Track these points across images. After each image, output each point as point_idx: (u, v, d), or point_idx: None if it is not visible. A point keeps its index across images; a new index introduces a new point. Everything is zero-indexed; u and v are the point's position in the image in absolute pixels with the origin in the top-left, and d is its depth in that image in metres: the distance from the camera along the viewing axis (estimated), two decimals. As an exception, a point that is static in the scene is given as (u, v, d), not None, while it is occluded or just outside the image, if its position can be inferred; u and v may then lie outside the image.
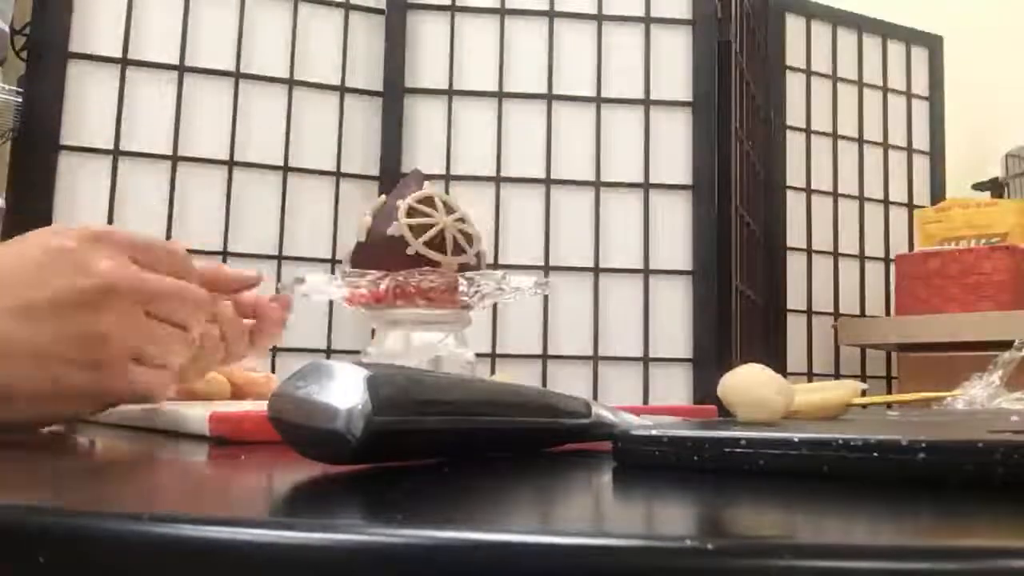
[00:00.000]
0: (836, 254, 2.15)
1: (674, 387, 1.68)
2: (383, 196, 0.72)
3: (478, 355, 0.68)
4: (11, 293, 0.46)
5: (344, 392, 0.24)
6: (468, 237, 0.69)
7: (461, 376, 0.32)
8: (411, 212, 0.68)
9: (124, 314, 0.47)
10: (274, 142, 1.66)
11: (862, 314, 2.16)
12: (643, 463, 0.28)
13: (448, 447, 0.29)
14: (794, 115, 2.12)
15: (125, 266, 0.48)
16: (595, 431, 0.34)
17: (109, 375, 0.46)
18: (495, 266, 1.65)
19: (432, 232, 0.67)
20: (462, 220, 0.69)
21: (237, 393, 0.70)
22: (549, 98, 1.74)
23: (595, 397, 1.50)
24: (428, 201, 0.69)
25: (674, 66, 1.76)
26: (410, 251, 0.66)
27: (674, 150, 1.74)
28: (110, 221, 1.54)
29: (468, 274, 0.65)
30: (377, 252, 0.67)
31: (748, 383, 0.43)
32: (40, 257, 0.47)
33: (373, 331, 0.72)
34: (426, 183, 0.73)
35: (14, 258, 0.48)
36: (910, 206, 2.24)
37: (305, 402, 0.25)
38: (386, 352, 0.67)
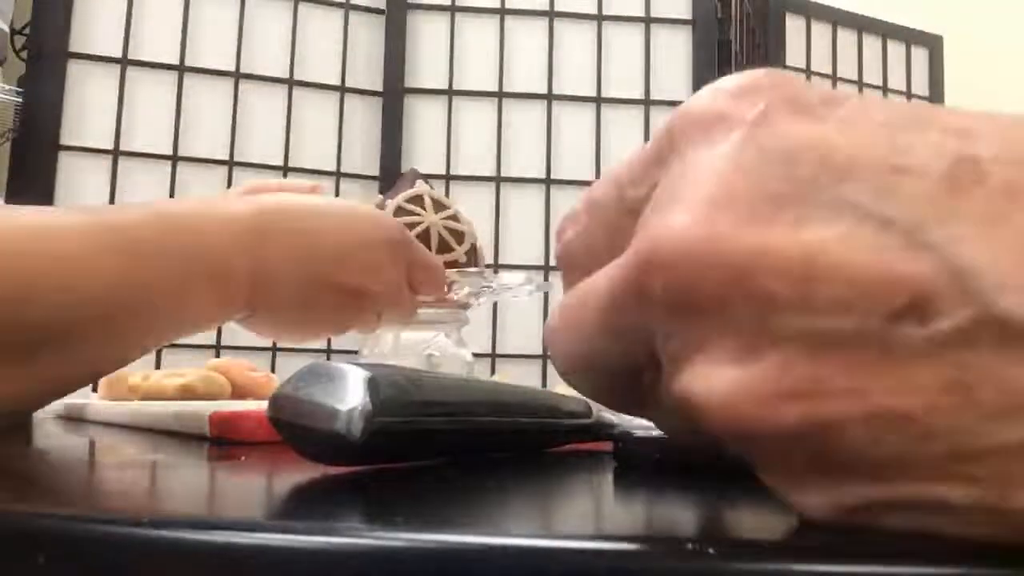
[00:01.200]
0: (836, 254, 2.15)
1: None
2: (380, 196, 0.73)
3: (478, 355, 0.67)
4: (316, 267, 0.54)
5: (344, 393, 0.24)
6: (457, 235, 0.69)
7: (461, 377, 0.32)
8: (398, 211, 0.68)
9: (367, 313, 0.58)
10: (274, 142, 1.66)
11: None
12: (644, 464, 0.27)
13: (449, 448, 0.29)
14: (794, 115, 2.12)
15: (398, 282, 0.58)
16: (596, 431, 0.34)
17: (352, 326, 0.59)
18: (495, 266, 1.65)
19: (417, 231, 0.67)
20: (453, 218, 0.69)
21: (237, 393, 0.70)
22: (549, 98, 1.74)
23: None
24: (417, 200, 0.69)
25: (674, 66, 1.76)
26: None
27: (674, 150, 1.73)
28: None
29: (451, 272, 0.65)
30: None
31: None
32: (356, 247, 0.56)
33: None
34: (419, 182, 0.73)
35: (342, 233, 0.56)
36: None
37: (305, 403, 0.25)
38: (381, 352, 0.67)
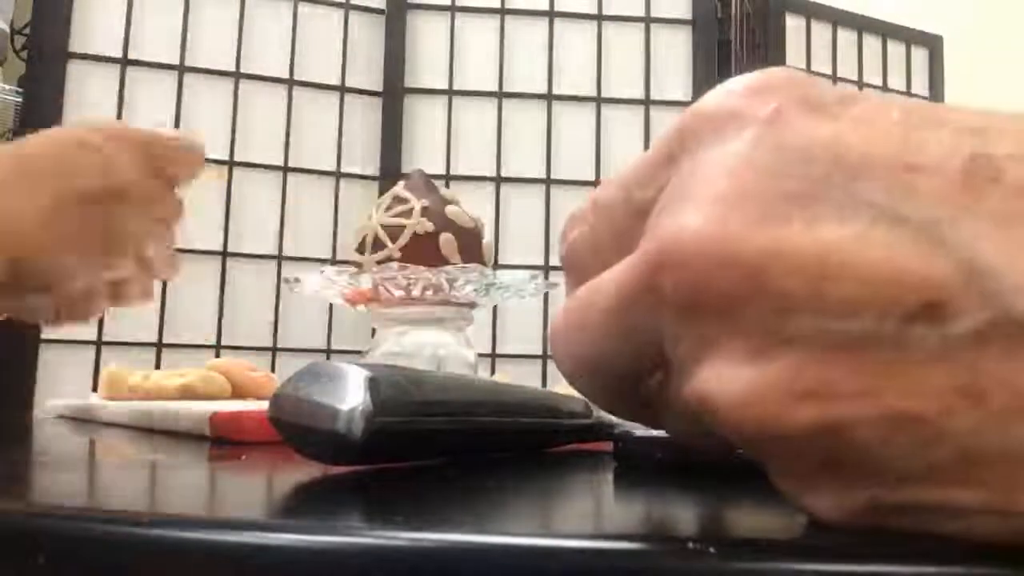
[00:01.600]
0: (836, 254, 2.15)
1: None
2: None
3: (478, 355, 0.67)
4: (46, 183, 0.52)
5: (345, 393, 0.24)
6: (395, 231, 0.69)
7: (462, 376, 0.32)
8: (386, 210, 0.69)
9: (133, 215, 0.55)
10: (274, 142, 1.66)
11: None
12: (645, 464, 0.27)
13: (449, 448, 0.29)
14: (794, 115, 2.12)
15: (140, 168, 0.55)
16: (596, 431, 0.34)
17: (114, 262, 0.55)
18: (496, 266, 1.65)
19: (406, 234, 0.67)
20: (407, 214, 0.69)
21: (237, 393, 0.70)
22: (549, 98, 1.74)
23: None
24: (402, 201, 0.70)
25: (674, 66, 1.76)
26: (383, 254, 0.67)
27: (674, 150, 1.73)
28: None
29: (448, 269, 0.64)
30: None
31: None
32: (74, 152, 0.54)
33: (374, 331, 0.72)
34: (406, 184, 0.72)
35: (50, 147, 0.54)
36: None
37: (305, 403, 0.25)
38: (385, 352, 0.67)
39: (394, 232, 0.67)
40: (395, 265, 0.63)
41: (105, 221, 0.54)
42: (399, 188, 0.71)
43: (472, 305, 0.67)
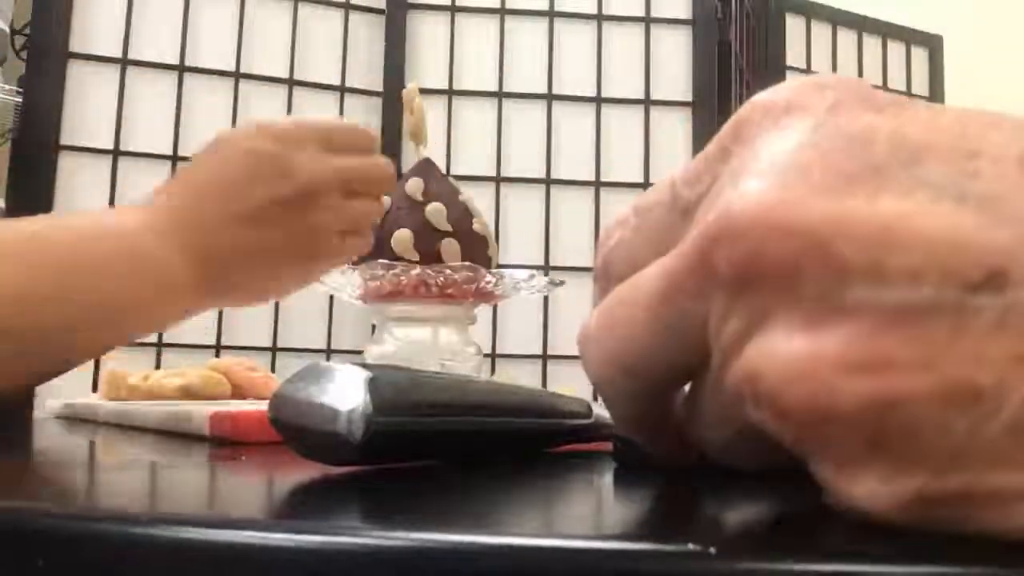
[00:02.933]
0: (836, 254, 2.15)
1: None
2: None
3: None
4: (228, 201, 0.51)
5: (344, 393, 0.24)
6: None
7: (462, 376, 0.32)
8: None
9: (327, 208, 0.54)
10: (274, 142, 1.66)
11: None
12: (643, 464, 0.27)
13: (449, 448, 0.29)
14: (794, 115, 2.12)
15: (320, 161, 0.54)
16: (596, 432, 0.34)
17: (323, 261, 0.56)
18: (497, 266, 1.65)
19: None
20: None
21: (237, 393, 0.70)
22: (549, 98, 1.74)
23: (595, 398, 1.49)
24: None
25: (674, 66, 1.76)
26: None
27: (674, 150, 1.74)
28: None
29: (490, 270, 0.64)
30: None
31: None
32: (244, 164, 0.52)
33: (373, 327, 0.72)
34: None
35: (219, 166, 0.53)
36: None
37: (305, 403, 0.25)
38: (385, 352, 0.66)
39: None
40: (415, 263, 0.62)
41: (306, 223, 0.53)
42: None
43: (475, 303, 0.66)
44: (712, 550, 0.15)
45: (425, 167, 0.71)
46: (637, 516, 0.22)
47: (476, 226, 0.68)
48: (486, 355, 1.68)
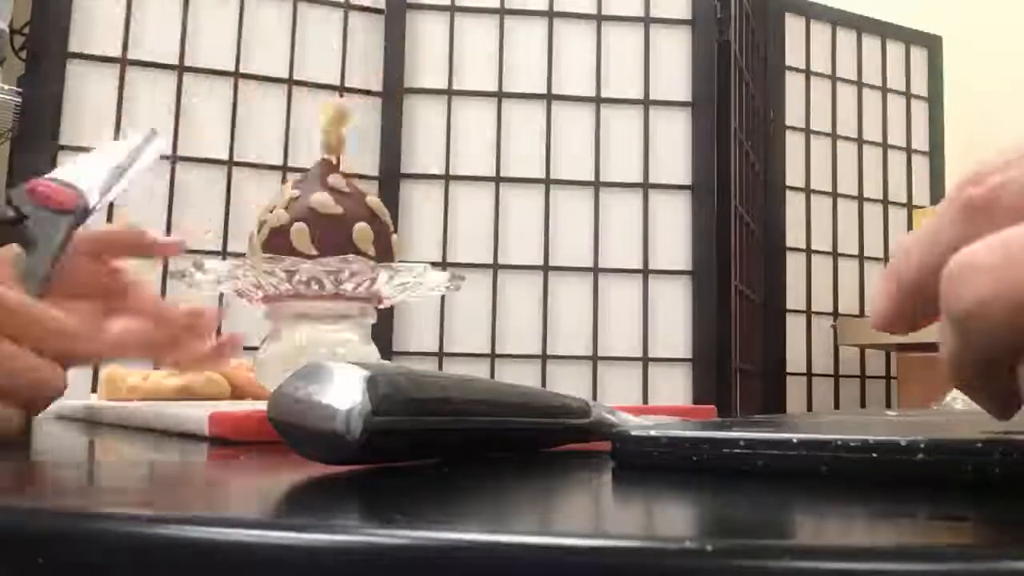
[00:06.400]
0: (835, 254, 2.15)
1: (673, 387, 1.69)
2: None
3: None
4: None
5: (343, 392, 0.24)
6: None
7: (461, 376, 0.32)
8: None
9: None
10: (274, 142, 1.66)
11: (861, 314, 2.16)
12: (641, 464, 0.28)
13: (448, 447, 0.29)
14: (793, 115, 2.12)
15: None
16: (595, 431, 0.34)
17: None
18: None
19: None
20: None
21: (237, 393, 0.70)
22: (549, 98, 1.74)
23: (594, 397, 1.50)
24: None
25: (674, 66, 1.76)
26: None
27: (673, 150, 1.74)
28: (109, 221, 1.54)
29: (386, 265, 0.60)
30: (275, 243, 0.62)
31: None
32: None
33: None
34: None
35: None
36: (909, 206, 2.25)
37: (304, 403, 0.25)
38: (280, 351, 0.61)
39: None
40: (287, 258, 0.58)
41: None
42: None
43: (375, 300, 0.62)
44: (709, 548, 0.15)
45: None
46: (634, 516, 0.23)
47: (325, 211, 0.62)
48: (486, 355, 1.69)
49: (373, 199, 0.66)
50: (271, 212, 0.63)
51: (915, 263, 0.23)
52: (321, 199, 0.63)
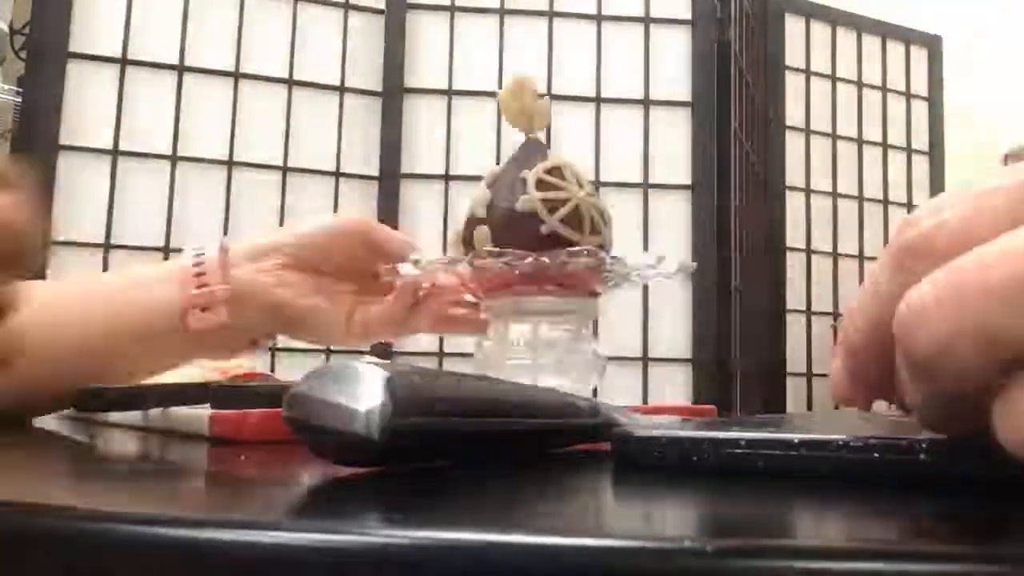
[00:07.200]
0: (835, 254, 2.15)
1: (673, 387, 1.68)
2: (498, 166, 0.61)
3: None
4: None
5: (363, 393, 0.24)
6: (603, 214, 0.58)
7: (476, 376, 0.32)
8: (540, 184, 0.57)
9: None
10: (274, 142, 1.66)
11: (862, 314, 2.15)
12: (642, 463, 0.28)
13: (466, 448, 0.29)
14: (793, 115, 2.12)
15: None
16: (603, 431, 0.34)
17: None
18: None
19: (566, 208, 0.56)
20: (593, 195, 0.59)
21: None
22: (549, 98, 1.74)
23: (594, 397, 1.49)
24: (557, 172, 0.58)
25: (674, 66, 1.76)
26: (544, 229, 0.56)
27: (674, 150, 1.74)
28: (109, 221, 1.54)
29: (610, 255, 0.55)
30: (501, 230, 0.57)
31: None
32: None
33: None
34: (555, 153, 0.61)
35: None
36: (909, 206, 2.24)
37: (322, 403, 0.24)
38: (488, 354, 0.58)
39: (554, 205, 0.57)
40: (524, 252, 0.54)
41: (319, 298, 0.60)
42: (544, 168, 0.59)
43: (596, 294, 0.58)
44: (709, 548, 0.15)
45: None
46: (635, 515, 0.23)
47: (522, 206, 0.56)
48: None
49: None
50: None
51: (862, 323, 0.23)
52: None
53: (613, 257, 0.55)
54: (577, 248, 0.54)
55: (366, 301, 0.63)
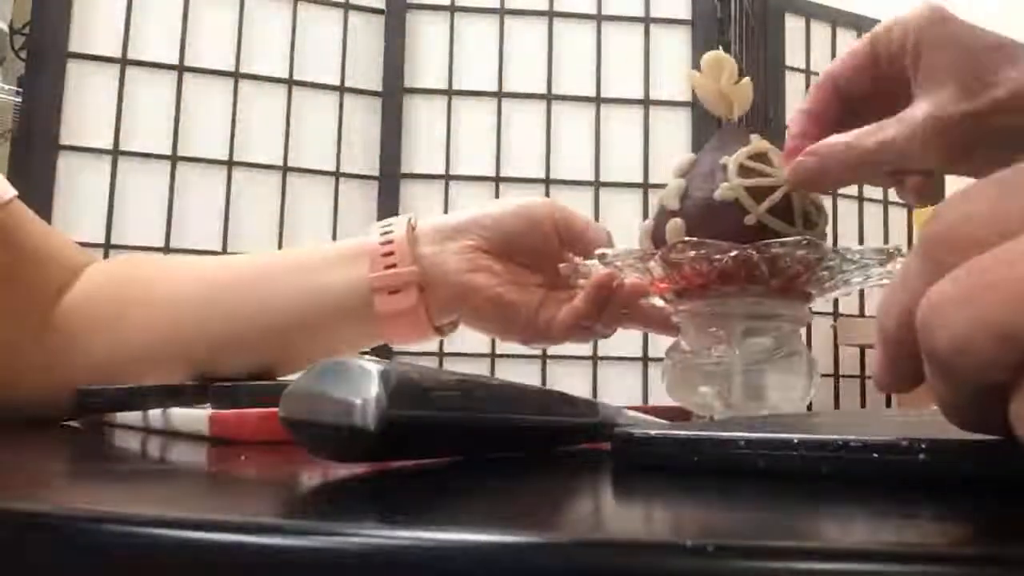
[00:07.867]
0: (836, 254, 2.15)
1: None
2: (691, 155, 0.53)
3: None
4: None
5: (358, 386, 0.24)
6: (817, 206, 0.51)
7: (472, 374, 0.32)
8: (742, 170, 0.49)
9: None
10: (274, 142, 1.66)
11: (861, 314, 2.16)
12: (641, 463, 0.28)
13: (460, 444, 0.29)
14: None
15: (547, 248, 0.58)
16: (602, 431, 0.34)
17: None
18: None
19: (776, 196, 0.48)
20: None
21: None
22: (549, 98, 1.74)
23: (595, 397, 1.49)
24: (762, 158, 0.50)
25: (673, 66, 1.76)
26: (749, 220, 0.48)
27: (673, 150, 1.73)
28: (110, 221, 1.54)
29: (834, 249, 0.47)
30: (697, 223, 0.49)
31: None
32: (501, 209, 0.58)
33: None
34: (755, 136, 0.51)
35: None
36: (909, 206, 2.24)
37: (317, 398, 0.25)
38: (685, 357, 0.51)
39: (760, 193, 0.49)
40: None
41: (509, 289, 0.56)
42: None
43: (808, 297, 0.51)
44: (709, 548, 0.15)
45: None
46: (635, 515, 0.23)
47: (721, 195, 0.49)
48: (486, 355, 1.69)
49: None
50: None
51: (893, 314, 0.22)
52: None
53: (835, 250, 0.47)
54: (790, 239, 0.46)
55: (556, 297, 0.57)
